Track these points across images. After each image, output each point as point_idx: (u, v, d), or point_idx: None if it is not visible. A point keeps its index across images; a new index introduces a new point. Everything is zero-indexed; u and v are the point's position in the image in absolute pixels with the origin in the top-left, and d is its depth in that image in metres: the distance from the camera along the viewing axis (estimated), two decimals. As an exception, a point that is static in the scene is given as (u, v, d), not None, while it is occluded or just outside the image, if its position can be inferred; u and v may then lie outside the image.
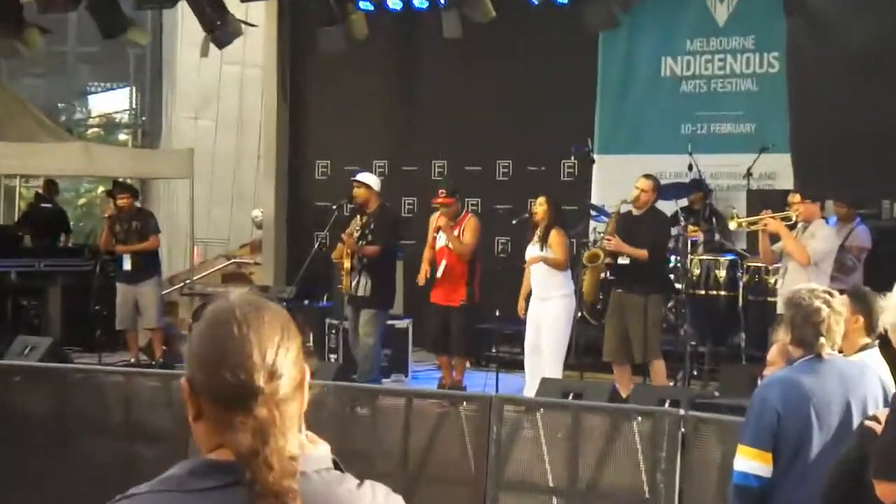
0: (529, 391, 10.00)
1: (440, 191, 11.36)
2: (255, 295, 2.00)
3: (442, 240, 11.20)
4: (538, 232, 10.50)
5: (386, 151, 15.41)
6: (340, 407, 8.25)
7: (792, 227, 9.70)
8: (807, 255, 9.45)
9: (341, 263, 11.35)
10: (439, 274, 11.11)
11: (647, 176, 10.53)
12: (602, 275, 10.76)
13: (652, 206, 10.41)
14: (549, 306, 10.35)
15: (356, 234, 11.19)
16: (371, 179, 11.51)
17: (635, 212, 10.45)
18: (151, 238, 12.75)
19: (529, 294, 10.58)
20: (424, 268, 11.21)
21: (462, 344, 11.17)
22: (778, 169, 12.48)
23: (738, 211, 11.54)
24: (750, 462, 4.50)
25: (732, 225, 10.40)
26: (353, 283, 11.18)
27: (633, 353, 10.24)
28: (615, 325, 10.32)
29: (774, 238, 9.79)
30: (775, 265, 10.24)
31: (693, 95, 13.37)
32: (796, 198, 9.77)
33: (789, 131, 11.66)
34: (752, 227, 10.22)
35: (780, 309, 9.46)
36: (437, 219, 11.30)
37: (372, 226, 11.24)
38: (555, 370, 10.23)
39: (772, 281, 10.69)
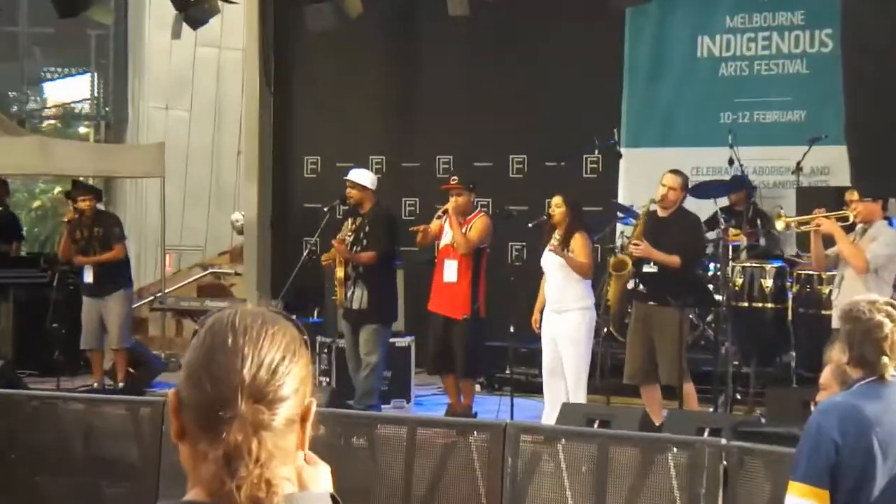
0: (549, 418, 9.97)
1: (452, 178, 11.38)
2: (270, 309, 1.97)
3: (448, 236, 11.19)
4: (556, 235, 10.48)
5: (383, 146, 15.41)
6: (334, 437, 8.23)
7: (849, 230, 9.66)
8: (865, 261, 9.41)
9: (334, 272, 11.34)
10: (449, 278, 11.09)
11: (675, 171, 10.50)
12: (629, 284, 10.73)
13: (680, 206, 10.38)
14: (566, 320, 10.33)
15: (349, 239, 11.18)
16: (366, 178, 11.51)
17: (661, 213, 10.41)
18: (115, 247, 12.73)
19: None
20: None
21: (465, 363, 11.14)
22: (832, 163, 12.46)
23: (785, 210, 11.50)
24: (803, 501, 4.47)
25: (779, 225, 10.36)
26: (348, 295, 11.17)
27: (659, 373, 10.19)
28: (640, 341, 10.28)
29: (828, 241, 9.75)
30: (829, 273, 10.20)
31: (734, 79, 13.35)
32: (854, 195, 9.73)
33: (844, 119, 11.66)
34: (803, 229, 10.17)
35: (834, 324, 9.45)
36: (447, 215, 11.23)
37: (367, 228, 11.25)
38: (577, 394, 10.20)
39: (826, 291, 10.66)
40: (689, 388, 10.19)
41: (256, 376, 1.86)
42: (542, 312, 10.55)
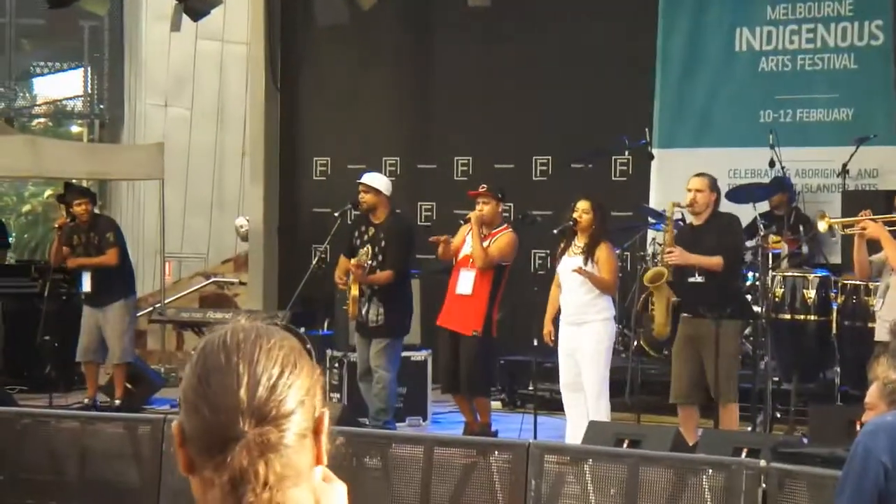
0: (571, 437, 9.98)
1: (481, 186, 11.38)
2: (261, 322, 1.97)
3: (468, 247, 11.20)
4: (578, 242, 10.48)
5: (398, 147, 15.44)
6: (346, 457, 8.25)
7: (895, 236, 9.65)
8: (913, 270, 9.40)
9: (345, 287, 11.36)
10: (463, 290, 11.10)
11: (700, 174, 10.48)
12: (672, 298, 10.71)
13: (714, 211, 10.37)
14: (587, 332, 10.32)
15: (366, 263, 11.15)
16: (381, 182, 11.52)
17: (695, 221, 10.40)
18: (108, 252, 12.75)
19: (557, 316, 10.56)
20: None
21: (473, 380, 11.11)
22: (881, 164, 12.45)
23: (829, 215, 11.50)
24: (849, 526, 4.48)
25: (822, 226, 10.33)
26: (363, 311, 11.21)
27: (705, 391, 10.16)
28: (686, 358, 10.22)
29: (873, 249, 9.73)
30: (875, 283, 10.18)
31: (775, 75, 13.35)
32: None
33: (897, 118, 11.67)
34: (847, 231, 10.14)
35: (878, 336, 9.44)
36: (472, 224, 11.22)
37: (382, 243, 11.24)
38: (597, 410, 10.20)
39: (873, 302, 10.64)
40: (732, 411, 10.14)
41: (255, 395, 1.86)
42: (554, 323, 10.55)
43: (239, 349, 1.89)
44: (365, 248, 11.28)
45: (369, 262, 11.19)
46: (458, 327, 11.10)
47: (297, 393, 1.90)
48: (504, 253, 11.14)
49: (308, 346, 2.07)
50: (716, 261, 10.15)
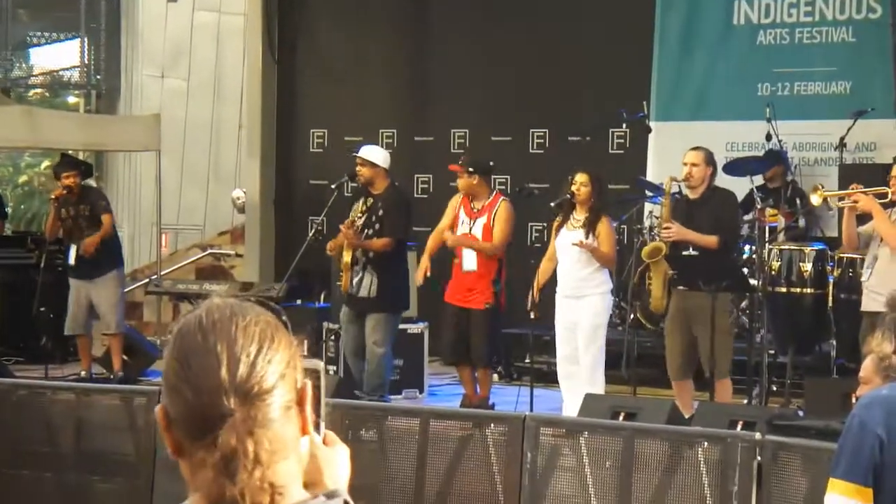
0: (568, 410, 10.00)
1: (461, 159, 11.39)
2: (234, 298, 1.98)
3: (465, 225, 11.19)
4: (577, 216, 10.47)
5: (395, 119, 15.42)
6: (341, 430, 8.25)
7: (887, 208, 9.65)
8: (904, 242, 9.41)
9: (338, 257, 11.32)
10: (468, 266, 11.09)
11: (696, 148, 10.49)
12: (669, 273, 10.72)
13: (711, 185, 10.38)
14: (586, 305, 10.35)
15: (359, 223, 11.14)
16: (378, 155, 11.49)
17: (692, 195, 10.42)
18: (104, 217, 12.70)
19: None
20: (425, 263, 11.19)
21: (484, 352, 11.16)
22: (879, 138, 12.44)
23: (826, 188, 11.49)
24: (845, 499, 4.47)
25: (815, 199, 10.34)
26: (355, 281, 11.15)
27: (699, 365, 10.20)
28: (679, 332, 10.26)
29: (862, 221, 9.75)
30: (848, 255, 10.22)
31: (773, 48, 13.33)
32: None
33: (895, 91, 11.64)
34: (839, 204, 10.15)
35: (864, 307, 9.47)
36: (461, 199, 11.28)
37: (380, 212, 11.21)
38: (596, 383, 10.23)
39: (862, 273, 10.65)
40: (726, 386, 10.16)
41: (236, 373, 1.88)
42: (550, 296, 10.55)
43: (215, 329, 1.91)
44: (357, 205, 11.23)
45: (361, 216, 11.14)
46: (468, 303, 11.09)
47: (278, 367, 1.91)
48: (509, 227, 11.14)
49: (283, 317, 2.08)
50: (712, 239, 10.17)
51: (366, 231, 11.17)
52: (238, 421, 1.86)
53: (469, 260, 11.14)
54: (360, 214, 11.18)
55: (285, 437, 1.91)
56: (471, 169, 11.23)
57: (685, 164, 10.35)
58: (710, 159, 10.40)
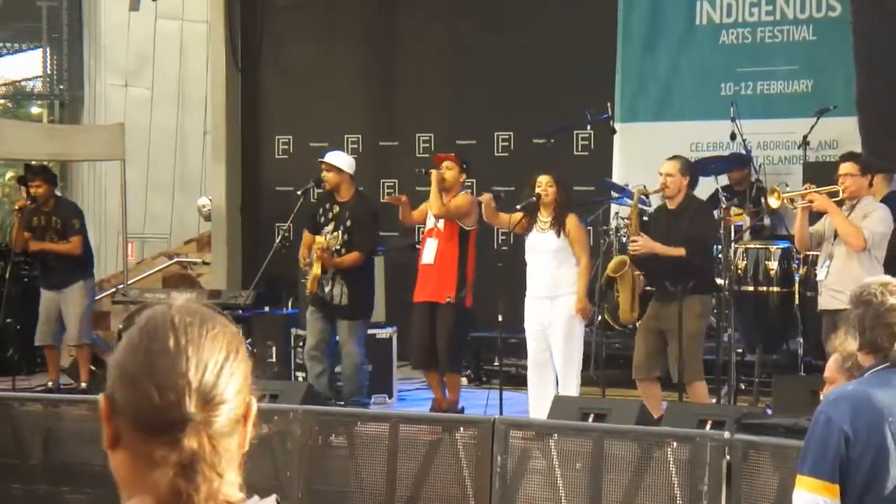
0: (537, 412, 9.99)
1: (442, 155, 11.49)
2: (202, 304, 2.01)
3: (432, 219, 11.23)
4: (543, 217, 10.49)
5: (359, 124, 15.41)
6: (311, 436, 8.25)
7: (840, 206, 9.72)
8: (863, 239, 9.48)
9: (308, 269, 11.32)
10: (426, 259, 11.13)
11: (674, 157, 10.51)
12: (639, 281, 10.72)
13: (689, 195, 10.39)
14: (560, 305, 10.35)
15: (333, 244, 11.14)
16: (343, 161, 11.50)
17: (669, 205, 10.44)
18: (72, 240, 12.65)
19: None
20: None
21: (448, 355, 11.15)
22: (840, 136, 12.49)
23: (791, 187, 11.54)
24: (812, 496, 4.50)
25: (773, 201, 10.38)
26: (327, 290, 11.18)
27: (665, 367, 10.21)
28: (646, 333, 10.29)
29: (812, 220, 9.83)
30: (812, 252, 10.28)
31: (736, 48, 13.38)
32: (846, 168, 9.77)
33: (855, 89, 11.68)
34: (795, 205, 10.20)
35: (822, 306, 9.54)
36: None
37: (348, 222, 11.23)
38: (570, 385, 10.24)
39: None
40: (700, 389, 10.17)
41: (203, 379, 1.91)
42: (517, 299, 10.56)
43: (187, 332, 1.94)
44: (335, 234, 11.24)
45: (337, 247, 11.18)
46: (431, 297, 11.11)
47: (237, 380, 1.95)
48: (461, 207, 11.13)
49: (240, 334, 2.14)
50: (679, 251, 10.18)
51: (336, 249, 11.20)
52: (199, 425, 1.89)
53: (427, 253, 11.18)
54: (333, 238, 11.17)
55: (231, 448, 1.94)
56: (464, 165, 11.31)
57: (661, 173, 10.37)
58: (685, 169, 10.41)
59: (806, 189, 9.88)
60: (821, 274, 9.83)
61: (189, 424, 1.89)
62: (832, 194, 9.71)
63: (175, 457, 1.89)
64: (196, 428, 1.89)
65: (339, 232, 11.20)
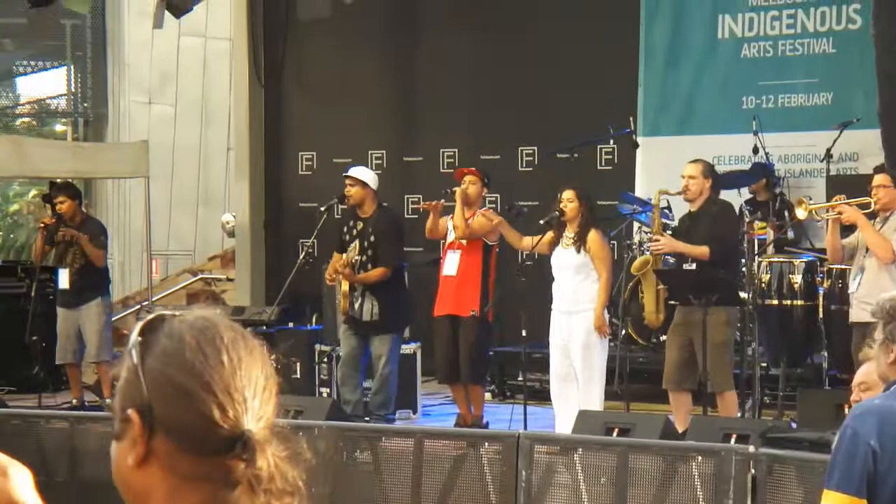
0: (562, 427, 9.98)
1: (470, 168, 11.50)
2: (219, 314, 1.97)
3: (453, 232, 11.23)
4: (568, 233, 10.49)
5: (383, 140, 15.43)
6: (336, 452, 8.25)
7: (871, 218, 9.69)
8: (892, 251, 9.45)
9: (336, 284, 11.33)
10: (448, 271, 11.12)
11: (695, 161, 10.52)
12: (660, 286, 10.72)
13: (711, 197, 10.39)
14: (579, 321, 10.34)
15: (355, 258, 11.15)
16: (368, 175, 11.51)
17: (692, 207, 10.44)
18: (98, 253, 12.65)
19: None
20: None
21: (473, 368, 11.15)
22: (862, 148, 12.47)
23: (814, 200, 11.52)
24: (839, 510, 4.48)
25: (801, 213, 10.37)
26: (356, 306, 11.17)
27: (695, 377, 10.18)
28: (677, 345, 10.26)
29: (845, 232, 9.79)
30: (848, 265, 10.24)
31: (757, 61, 13.37)
32: (880, 179, 9.74)
33: (878, 101, 11.66)
34: (824, 216, 10.18)
35: (853, 318, 9.49)
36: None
37: (371, 238, 11.23)
38: (592, 400, 10.21)
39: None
40: (730, 399, 10.15)
41: (255, 396, 1.89)
42: (544, 313, 10.55)
43: (235, 348, 1.90)
44: (353, 245, 11.25)
45: (357, 257, 11.17)
46: (454, 310, 11.10)
47: (273, 403, 1.93)
48: (484, 226, 11.14)
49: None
50: (702, 250, 10.17)
51: (360, 258, 11.19)
52: (260, 444, 1.86)
53: (450, 264, 11.18)
54: (356, 254, 11.17)
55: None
56: (486, 179, 11.32)
57: (683, 176, 10.37)
58: (707, 172, 10.41)
59: (836, 201, 9.84)
60: (852, 286, 9.80)
61: (249, 442, 1.85)
62: (863, 206, 9.68)
63: (232, 475, 1.85)
64: (259, 446, 1.86)
65: (359, 244, 11.18)
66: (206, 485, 1.86)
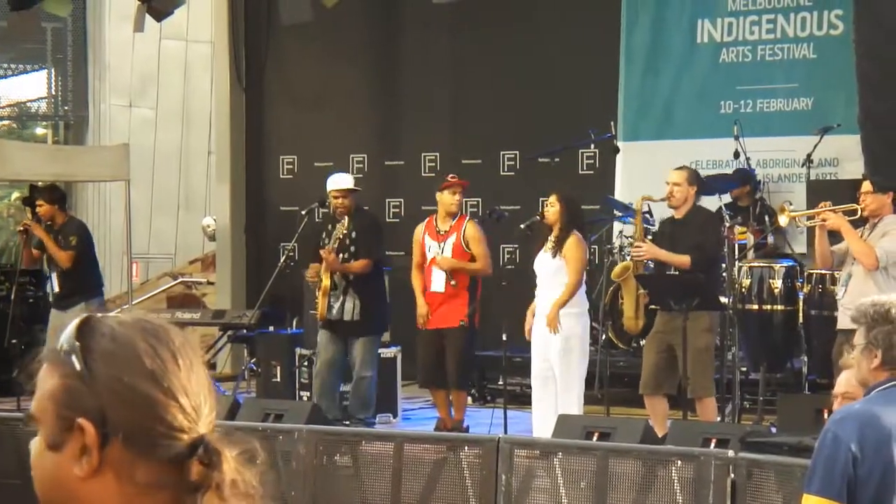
0: (541, 431, 9.96)
1: (451, 176, 11.43)
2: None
3: (433, 249, 11.21)
4: (551, 237, 10.47)
5: (365, 143, 15.41)
6: (316, 456, 8.23)
7: (858, 224, 9.70)
8: (875, 258, 9.45)
9: (318, 282, 11.30)
10: (435, 288, 11.11)
11: (680, 168, 10.52)
12: (641, 292, 10.71)
13: (695, 205, 10.38)
14: (560, 326, 10.33)
15: (335, 246, 11.16)
16: (349, 182, 11.53)
17: (676, 215, 10.43)
18: (63, 252, 12.58)
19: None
20: (423, 307, 11.13)
21: (460, 373, 11.16)
22: (841, 153, 12.48)
23: (794, 205, 11.53)
24: (820, 515, 4.47)
25: (783, 219, 10.39)
26: (337, 305, 11.16)
27: (672, 382, 10.17)
28: (655, 350, 10.26)
29: (835, 238, 9.79)
30: (837, 271, 10.24)
31: (737, 66, 13.38)
32: (867, 186, 9.75)
33: (858, 106, 11.68)
34: (808, 224, 10.19)
35: (840, 325, 9.49)
36: (424, 226, 11.33)
37: (353, 234, 11.23)
38: (571, 404, 10.19)
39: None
40: (709, 405, 10.15)
41: (207, 399, 1.86)
42: (514, 315, 10.55)
43: (185, 350, 1.87)
44: (336, 230, 11.23)
45: (339, 237, 11.14)
46: (441, 324, 11.09)
47: (212, 397, 1.89)
48: (484, 244, 11.17)
49: None
50: (684, 259, 10.17)
51: (341, 255, 11.19)
52: (219, 447, 1.82)
53: (437, 282, 11.16)
54: (340, 237, 11.18)
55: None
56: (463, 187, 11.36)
57: (668, 183, 10.37)
58: (692, 179, 10.41)
59: (821, 207, 9.84)
60: (839, 293, 9.81)
61: (208, 446, 1.81)
62: (850, 213, 9.68)
63: (192, 480, 1.81)
64: (218, 449, 1.82)
65: (346, 243, 11.18)
66: (165, 492, 1.82)
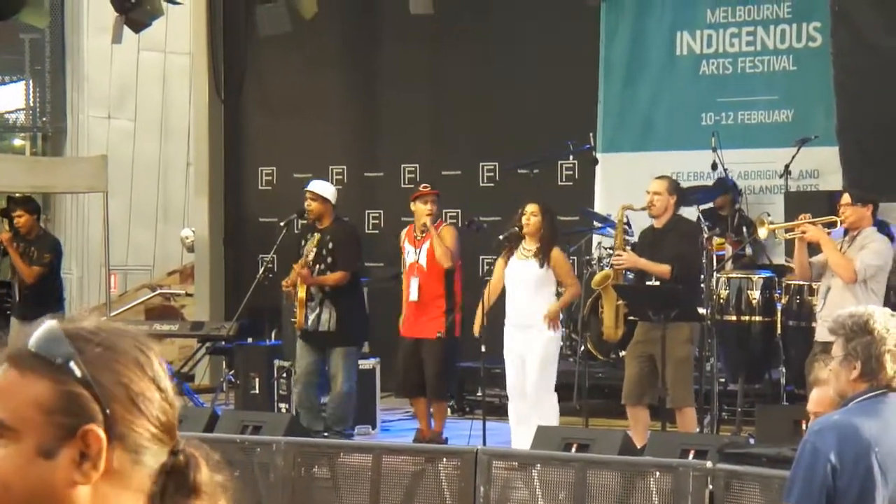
0: (519, 442, 9.96)
1: (423, 185, 11.45)
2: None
3: (412, 255, 11.22)
4: (527, 245, 10.46)
5: (344, 155, 15.39)
6: (294, 467, 8.20)
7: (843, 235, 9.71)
8: (853, 271, 9.46)
9: (293, 292, 11.28)
10: (412, 297, 11.13)
11: (660, 177, 10.54)
12: (619, 301, 10.72)
13: (675, 215, 10.41)
14: (535, 337, 10.33)
15: (310, 257, 11.14)
16: (328, 190, 11.52)
17: (656, 224, 10.45)
18: (33, 268, 12.54)
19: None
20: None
21: (438, 384, 11.15)
22: (821, 165, 12.52)
23: (773, 217, 11.54)
24: (798, 525, 4.47)
25: (762, 232, 10.42)
26: (313, 316, 11.15)
27: (654, 392, 10.18)
28: (636, 360, 10.27)
29: (814, 250, 9.81)
30: (817, 283, 10.25)
31: (716, 78, 13.41)
32: (847, 198, 9.77)
33: (836, 118, 11.72)
34: (787, 236, 10.21)
35: (818, 337, 9.49)
36: (405, 233, 11.36)
37: (330, 245, 11.23)
38: (548, 415, 10.20)
39: (816, 303, 10.69)
40: (689, 415, 10.16)
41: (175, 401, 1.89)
42: (490, 324, 10.51)
43: (155, 352, 1.87)
44: (308, 245, 11.23)
45: (313, 251, 11.13)
46: (419, 333, 11.10)
47: None
48: (455, 245, 11.18)
49: None
50: (664, 268, 10.18)
51: (318, 266, 11.18)
52: (193, 450, 1.85)
53: (412, 290, 11.19)
54: (312, 249, 11.18)
55: None
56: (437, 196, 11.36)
57: (648, 192, 10.38)
58: (672, 188, 10.44)
59: (800, 220, 9.86)
60: (819, 305, 9.82)
61: (185, 449, 1.85)
62: (829, 225, 9.69)
63: (178, 481, 1.84)
64: (193, 451, 1.86)
65: (323, 253, 11.17)
66: (152, 495, 1.83)
